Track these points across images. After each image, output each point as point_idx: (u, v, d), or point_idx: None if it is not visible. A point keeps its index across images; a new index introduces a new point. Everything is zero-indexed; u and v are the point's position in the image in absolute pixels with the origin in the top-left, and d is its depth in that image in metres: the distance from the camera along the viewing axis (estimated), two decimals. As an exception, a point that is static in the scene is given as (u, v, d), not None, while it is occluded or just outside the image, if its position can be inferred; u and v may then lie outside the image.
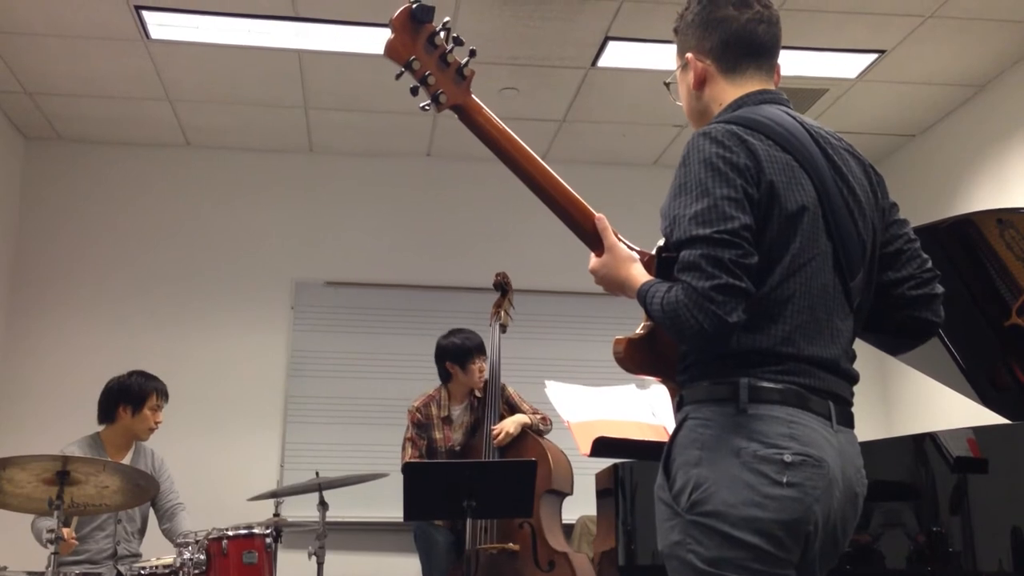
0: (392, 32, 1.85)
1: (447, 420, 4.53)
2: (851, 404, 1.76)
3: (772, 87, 1.89)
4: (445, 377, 4.60)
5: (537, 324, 5.87)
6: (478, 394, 4.58)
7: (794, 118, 1.81)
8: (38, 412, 5.53)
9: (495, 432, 4.36)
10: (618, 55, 5.01)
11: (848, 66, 5.12)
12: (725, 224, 1.61)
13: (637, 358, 1.81)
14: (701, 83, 1.89)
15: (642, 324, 1.83)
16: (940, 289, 1.87)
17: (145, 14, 4.62)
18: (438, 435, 4.51)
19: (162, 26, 4.74)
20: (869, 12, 4.60)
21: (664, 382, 1.87)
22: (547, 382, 3.43)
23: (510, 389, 4.63)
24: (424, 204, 6.24)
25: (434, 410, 4.55)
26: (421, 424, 4.51)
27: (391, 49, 1.85)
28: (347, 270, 6.07)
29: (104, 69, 5.17)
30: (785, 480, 1.59)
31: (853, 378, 1.77)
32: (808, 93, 5.37)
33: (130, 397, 4.11)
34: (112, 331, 5.79)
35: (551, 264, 6.03)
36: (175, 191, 6.09)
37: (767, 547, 1.60)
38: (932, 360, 2.89)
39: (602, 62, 5.07)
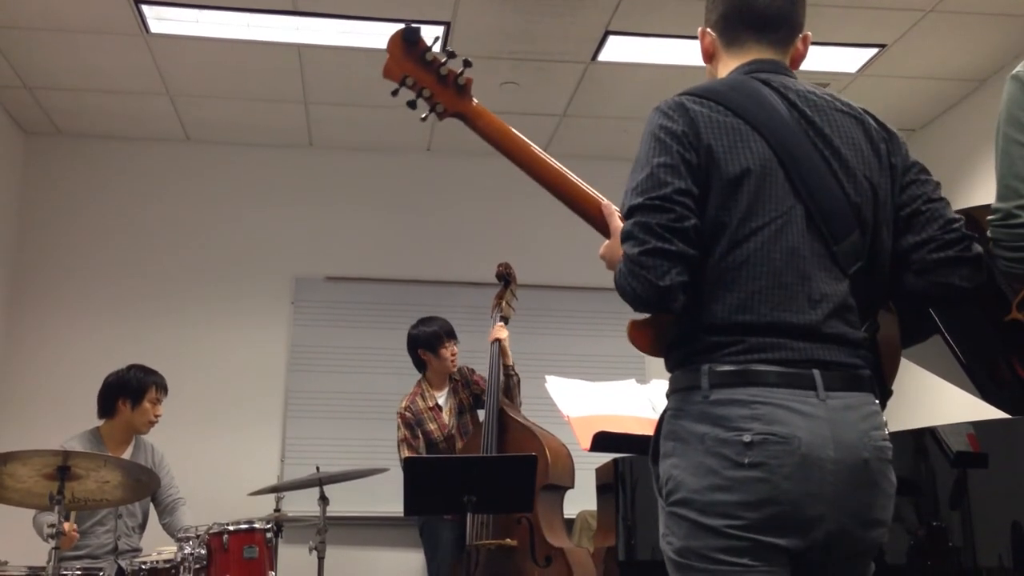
0: (388, 55, 1.97)
1: (437, 408, 4.56)
2: (852, 367, 1.68)
3: (775, 58, 1.84)
4: (420, 366, 4.64)
5: (536, 319, 5.87)
6: (456, 377, 4.61)
7: (770, 84, 1.77)
8: (38, 407, 5.53)
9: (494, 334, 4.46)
10: (618, 50, 5.00)
11: (849, 60, 5.11)
12: (657, 190, 1.64)
13: (639, 338, 1.80)
14: (709, 56, 1.92)
15: None
16: (975, 250, 1.75)
17: (144, 8, 4.62)
18: (432, 426, 4.53)
19: (161, 20, 4.73)
20: (869, 7, 4.59)
21: None
22: (547, 377, 3.43)
23: (477, 375, 4.69)
24: (424, 199, 6.24)
25: (421, 404, 4.56)
26: (412, 424, 4.52)
27: (387, 71, 1.98)
28: (347, 265, 6.06)
29: (104, 63, 5.17)
30: (747, 461, 1.57)
31: (849, 340, 1.68)
32: (808, 88, 5.36)
33: (129, 391, 4.12)
34: (112, 326, 5.79)
35: (551, 259, 6.03)
36: (175, 186, 6.08)
37: (736, 532, 1.58)
38: (932, 355, 2.89)
39: (602, 56, 5.06)
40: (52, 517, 3.23)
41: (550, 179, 1.93)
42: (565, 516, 4.50)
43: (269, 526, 3.66)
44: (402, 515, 3.87)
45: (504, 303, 4.62)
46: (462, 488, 3.59)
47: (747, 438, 1.57)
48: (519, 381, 4.56)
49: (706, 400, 1.62)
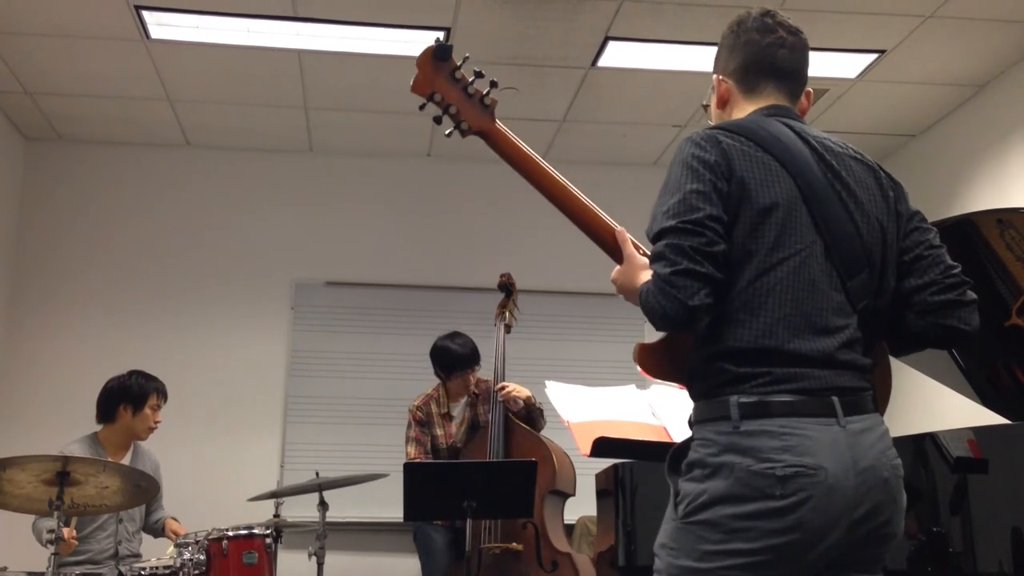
0: (417, 69, 2.02)
1: (447, 417, 4.57)
2: (864, 390, 1.76)
3: (789, 105, 1.93)
4: (442, 375, 4.62)
5: (536, 324, 5.87)
6: (476, 391, 4.61)
7: (791, 128, 1.85)
8: (37, 412, 5.53)
9: (503, 386, 4.39)
10: (618, 55, 5.01)
11: (848, 66, 5.11)
12: (690, 215, 1.70)
13: (650, 363, 1.87)
14: (724, 102, 1.99)
15: None
16: (971, 296, 1.86)
17: (145, 14, 4.62)
18: (439, 432, 4.53)
19: (162, 26, 4.74)
20: (869, 12, 4.60)
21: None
22: (547, 382, 3.42)
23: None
24: (424, 204, 6.24)
25: (434, 408, 4.57)
26: (422, 422, 4.53)
27: (416, 85, 2.02)
28: (347, 270, 6.06)
29: (104, 69, 5.17)
30: (779, 493, 1.63)
31: (858, 366, 1.77)
32: (808, 93, 5.36)
33: (131, 397, 4.12)
34: (112, 331, 5.79)
35: (550, 264, 6.03)
36: (175, 191, 6.08)
37: (758, 557, 1.64)
38: (932, 361, 2.89)
39: (602, 62, 5.07)
40: (51, 522, 3.23)
41: (567, 203, 2.00)
42: (565, 522, 4.50)
43: (269, 532, 3.66)
44: (402, 520, 3.86)
45: (507, 312, 4.65)
46: (462, 493, 3.58)
47: (779, 472, 1.64)
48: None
49: (736, 431, 1.68)
